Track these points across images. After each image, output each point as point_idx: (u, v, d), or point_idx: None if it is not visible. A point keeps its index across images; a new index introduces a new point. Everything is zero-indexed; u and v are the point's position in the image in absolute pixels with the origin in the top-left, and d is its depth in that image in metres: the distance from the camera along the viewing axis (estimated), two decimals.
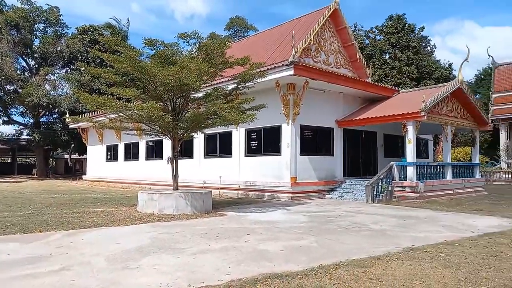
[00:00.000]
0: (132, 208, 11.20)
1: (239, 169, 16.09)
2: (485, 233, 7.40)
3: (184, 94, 10.38)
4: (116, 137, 24.09)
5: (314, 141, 15.28)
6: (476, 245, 6.33)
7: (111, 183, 24.56)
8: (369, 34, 41.57)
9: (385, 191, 13.72)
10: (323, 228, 8.08)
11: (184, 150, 18.58)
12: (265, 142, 15.26)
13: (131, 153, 23.76)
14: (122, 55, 10.09)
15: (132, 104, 11.61)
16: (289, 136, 14.16)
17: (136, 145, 23.04)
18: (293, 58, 13.00)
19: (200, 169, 18.08)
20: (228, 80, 13.29)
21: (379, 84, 18.47)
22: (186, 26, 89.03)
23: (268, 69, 13.38)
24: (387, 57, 38.89)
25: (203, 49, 10.09)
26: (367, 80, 17.53)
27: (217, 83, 13.71)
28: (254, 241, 6.76)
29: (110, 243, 6.52)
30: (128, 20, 44.38)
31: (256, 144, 15.60)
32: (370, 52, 38.18)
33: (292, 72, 12.94)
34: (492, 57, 33.37)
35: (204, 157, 18.08)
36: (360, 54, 18.68)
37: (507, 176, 26.69)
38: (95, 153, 27.87)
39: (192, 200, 10.31)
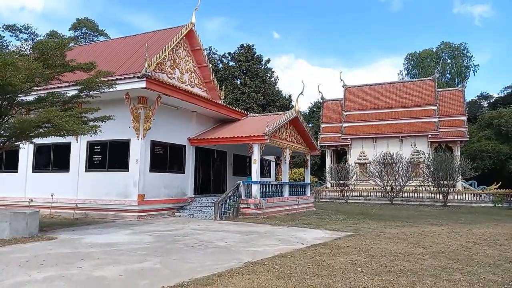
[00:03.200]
0: None
1: (78, 186, 14.35)
2: (312, 245, 8.43)
3: (8, 96, 8.70)
4: None
5: (165, 158, 14.91)
6: (304, 256, 7.13)
7: None
8: (223, 59, 44.08)
9: (232, 208, 14.34)
10: (169, 248, 7.83)
11: (6, 162, 15.58)
12: (111, 157, 14.08)
13: None
14: None
15: None
16: (138, 152, 13.44)
17: None
18: (146, 71, 12.56)
19: (27, 186, 15.39)
20: (69, 85, 11.83)
21: (231, 107, 19.53)
22: (14, 19, 75.51)
23: (117, 79, 12.56)
24: (238, 82, 41.80)
25: (38, 48, 8.70)
26: (220, 102, 18.30)
27: (54, 88, 12.07)
28: (89, 267, 6.03)
29: None
30: None
31: (100, 159, 14.24)
32: (223, 76, 40.35)
33: (144, 85, 12.45)
34: (321, 93, 39.67)
35: (33, 171, 15.48)
36: (214, 76, 19.43)
37: (331, 194, 31.61)
38: None
39: (12, 222, 8.59)
